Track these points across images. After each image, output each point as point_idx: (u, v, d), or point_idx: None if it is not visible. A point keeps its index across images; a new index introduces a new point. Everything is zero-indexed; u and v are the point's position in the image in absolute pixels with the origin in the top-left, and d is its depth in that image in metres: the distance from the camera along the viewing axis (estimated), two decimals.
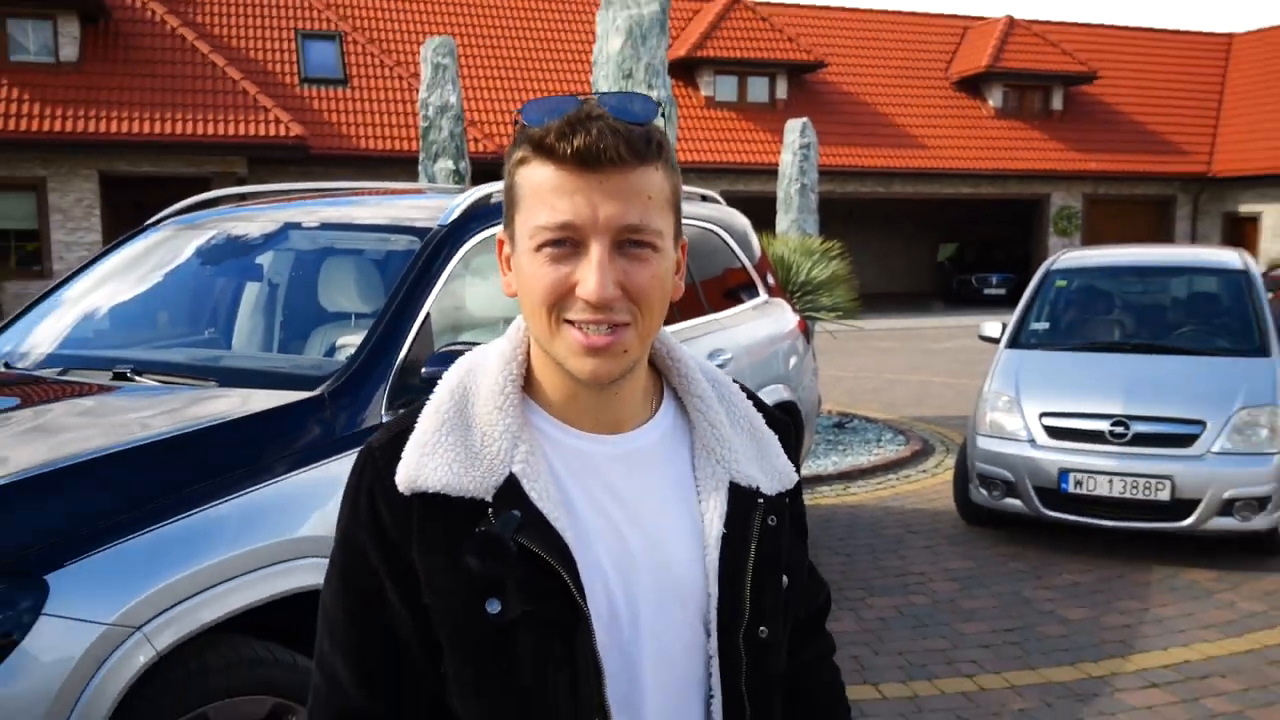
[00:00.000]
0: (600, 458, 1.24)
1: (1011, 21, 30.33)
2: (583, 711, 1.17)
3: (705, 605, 1.25)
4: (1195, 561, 6.16)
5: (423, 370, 3.22)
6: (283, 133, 20.21)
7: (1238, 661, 4.76)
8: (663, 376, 1.34)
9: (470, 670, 1.18)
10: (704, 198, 5.74)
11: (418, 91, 23.18)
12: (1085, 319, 7.71)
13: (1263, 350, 6.75)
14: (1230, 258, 7.66)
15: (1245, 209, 29.32)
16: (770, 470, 1.32)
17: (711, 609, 1.25)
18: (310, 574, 2.73)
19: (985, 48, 29.55)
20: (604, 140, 1.09)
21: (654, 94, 9.89)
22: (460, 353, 3.27)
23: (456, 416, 1.22)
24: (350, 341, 3.52)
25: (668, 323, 4.31)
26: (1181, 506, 5.95)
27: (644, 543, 1.23)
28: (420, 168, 12.09)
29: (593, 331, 1.13)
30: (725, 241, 5.57)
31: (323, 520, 2.81)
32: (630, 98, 1.15)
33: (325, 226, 4.04)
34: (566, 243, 1.12)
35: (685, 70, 26.54)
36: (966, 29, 31.86)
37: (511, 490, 1.17)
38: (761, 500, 1.28)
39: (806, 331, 6.26)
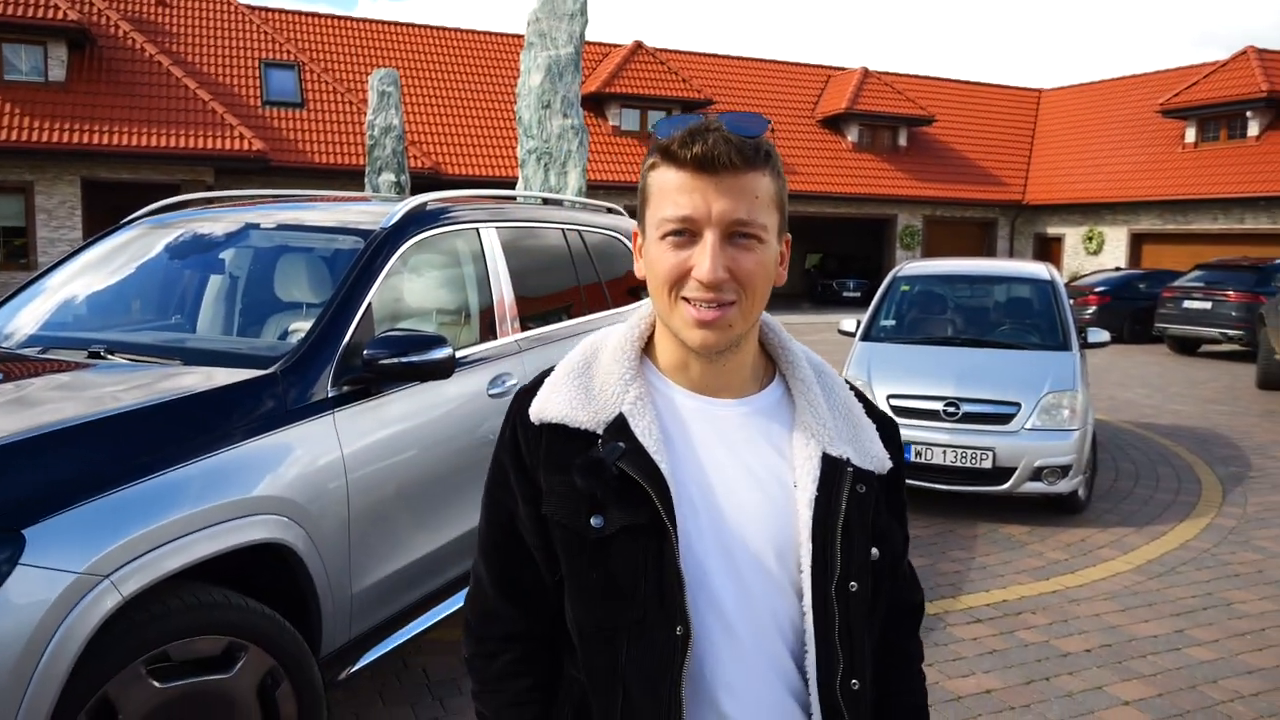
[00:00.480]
0: (706, 415, 1.26)
1: (866, 72, 30.81)
2: (669, 616, 1.18)
3: (794, 563, 1.23)
4: (1012, 518, 6.31)
5: (365, 352, 3.12)
6: (246, 147, 19.64)
7: (1045, 600, 4.88)
8: (775, 363, 1.34)
9: (578, 575, 1.23)
10: (610, 210, 5.68)
11: (365, 114, 22.76)
12: (924, 318, 7.83)
13: (1065, 345, 6.94)
14: (1040, 270, 7.85)
15: (1052, 231, 30.26)
16: (863, 451, 1.29)
17: (805, 566, 1.22)
18: (264, 529, 2.64)
19: (844, 93, 29.98)
20: (718, 148, 1.13)
21: (568, 122, 9.80)
22: (396, 339, 3.22)
23: (583, 367, 1.28)
24: (301, 327, 3.40)
25: (573, 317, 4.24)
26: (1001, 473, 6.08)
27: (745, 491, 1.23)
28: (366, 179, 11.85)
29: (703, 307, 1.16)
30: (628, 247, 5.52)
31: (275, 482, 2.71)
32: (745, 116, 1.18)
33: (281, 227, 3.90)
34: (685, 233, 1.16)
35: (595, 103, 26.42)
36: (830, 77, 32.25)
37: (620, 426, 1.22)
38: (851, 469, 1.25)
39: None
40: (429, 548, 3.39)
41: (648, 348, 1.31)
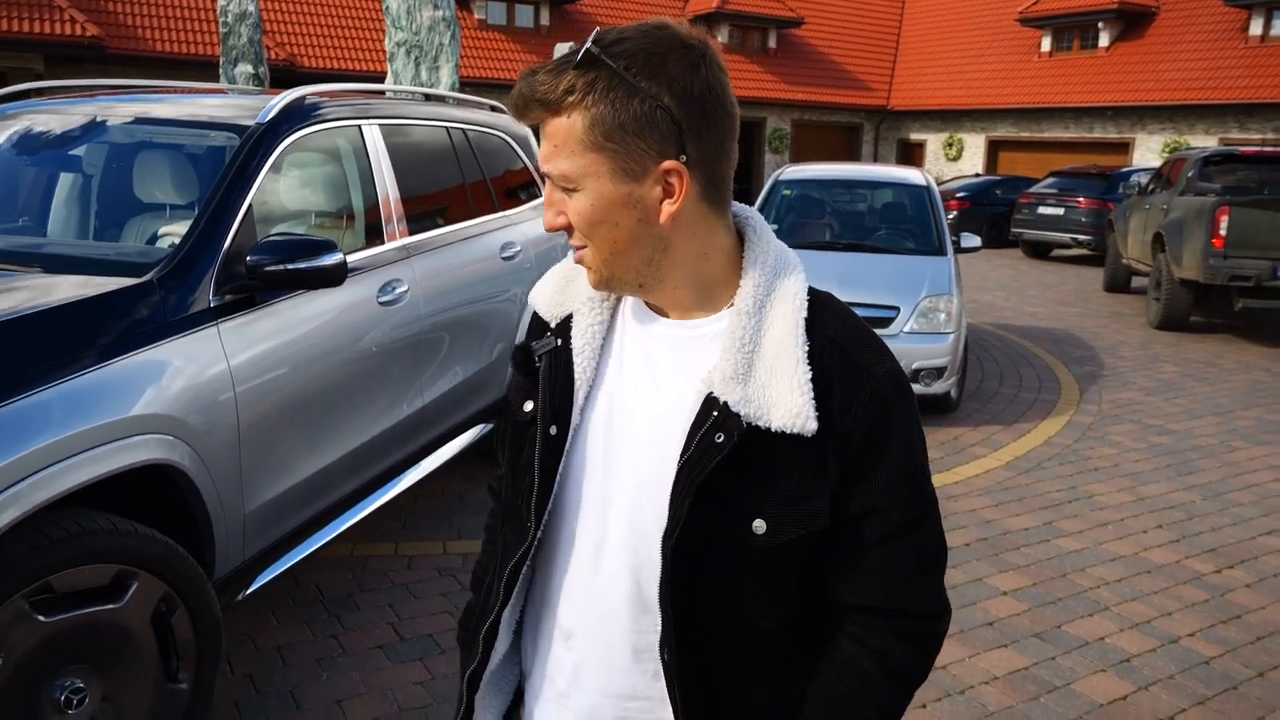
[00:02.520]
0: (642, 332, 1.20)
1: None
2: (532, 514, 1.20)
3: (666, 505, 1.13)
4: None
5: (248, 259, 2.92)
6: (79, 32, 18.02)
7: None
8: None
9: (506, 452, 1.29)
10: (493, 107, 5.46)
11: None
12: (804, 222, 7.88)
13: (941, 250, 7.12)
14: (916, 175, 7.99)
15: (914, 137, 30.94)
16: (764, 399, 1.07)
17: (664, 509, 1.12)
18: (148, 449, 2.45)
19: None
20: (514, 101, 1.08)
21: (439, 14, 9.34)
22: (283, 244, 3.02)
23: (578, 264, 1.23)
24: (173, 231, 3.15)
25: (460, 220, 4.05)
26: None
27: (650, 420, 1.16)
28: (221, 71, 11.06)
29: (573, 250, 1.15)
30: (512, 147, 5.33)
31: (158, 399, 2.52)
32: (563, 51, 1.14)
33: (142, 121, 3.58)
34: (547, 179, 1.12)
35: None
36: None
37: (567, 324, 1.22)
38: (716, 414, 1.07)
39: None
40: (322, 462, 3.25)
41: None
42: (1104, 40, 26.56)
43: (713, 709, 1.13)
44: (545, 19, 26.88)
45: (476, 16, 25.89)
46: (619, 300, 1.22)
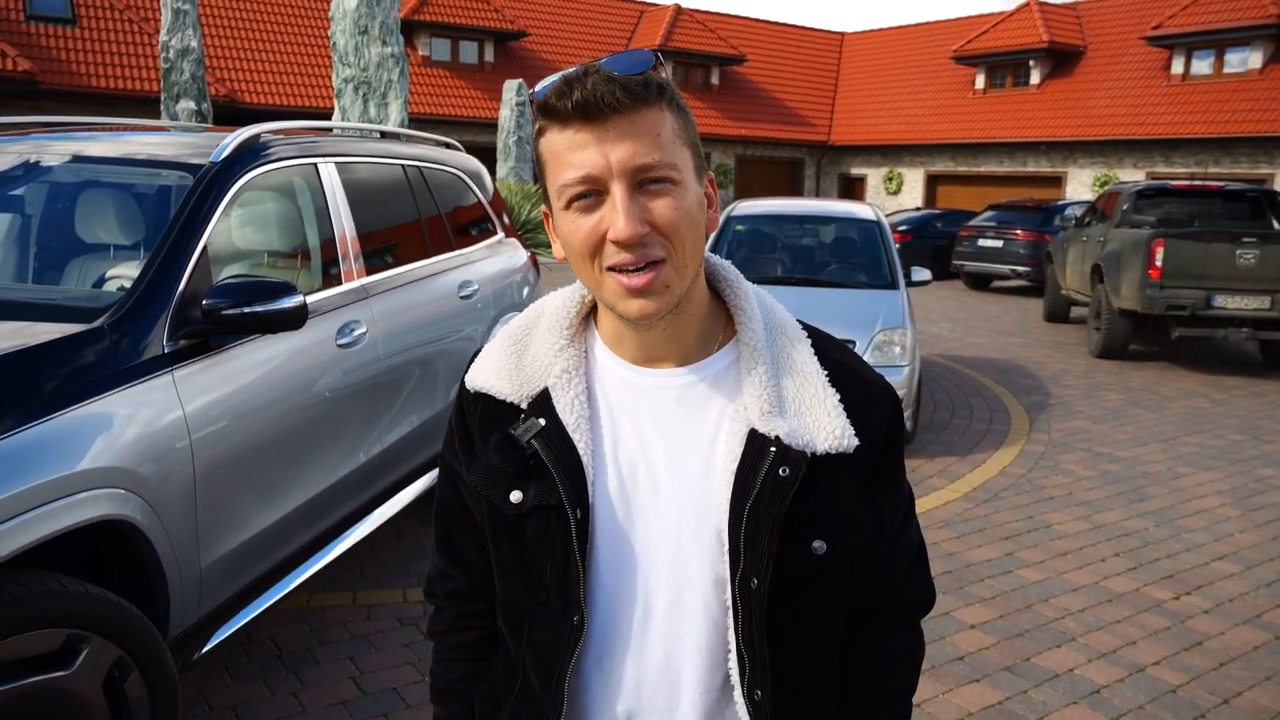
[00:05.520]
0: (645, 389, 1.15)
1: (679, 9, 30.83)
2: (567, 604, 1.14)
3: (719, 555, 1.12)
4: None
5: (204, 302, 2.81)
6: (9, 67, 17.64)
7: None
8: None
9: (495, 549, 1.20)
10: (446, 145, 5.40)
11: (148, 33, 20.92)
12: (756, 257, 7.90)
13: (893, 284, 7.17)
14: (866, 211, 8.06)
15: (855, 171, 31.48)
16: (806, 427, 1.11)
17: (724, 555, 1.12)
18: (98, 505, 2.32)
19: (658, 30, 29.91)
20: (599, 89, 1.00)
21: (388, 50, 9.29)
22: (239, 286, 2.91)
23: (524, 333, 1.21)
24: (122, 274, 3.03)
25: (417, 259, 3.95)
26: None
27: (670, 474, 1.12)
28: (162, 107, 10.86)
29: (632, 273, 1.04)
30: (467, 184, 5.27)
31: (108, 451, 2.39)
32: (627, 54, 1.05)
33: (86, 160, 3.45)
34: (591, 194, 1.04)
35: (404, 31, 25.24)
36: (643, 12, 32.12)
37: (543, 400, 1.15)
38: (774, 450, 1.09)
39: (536, 265, 6.08)
40: (281, 511, 3.12)
41: (597, 311, 1.20)
42: (1035, 78, 27.33)
43: None
44: (490, 55, 26.95)
45: (421, 53, 25.85)
46: (588, 366, 1.18)
